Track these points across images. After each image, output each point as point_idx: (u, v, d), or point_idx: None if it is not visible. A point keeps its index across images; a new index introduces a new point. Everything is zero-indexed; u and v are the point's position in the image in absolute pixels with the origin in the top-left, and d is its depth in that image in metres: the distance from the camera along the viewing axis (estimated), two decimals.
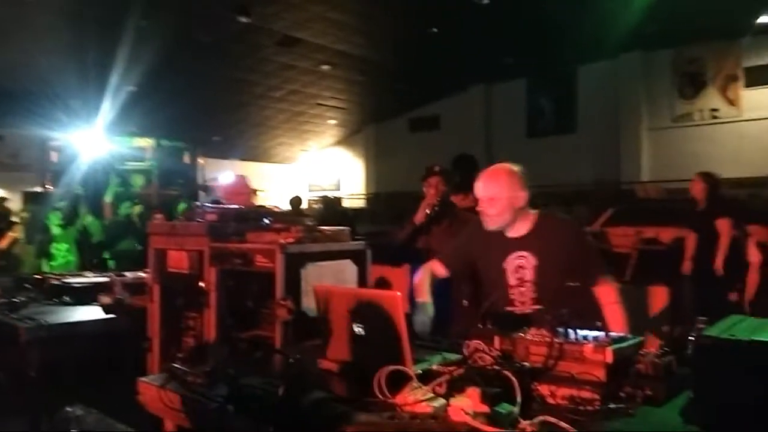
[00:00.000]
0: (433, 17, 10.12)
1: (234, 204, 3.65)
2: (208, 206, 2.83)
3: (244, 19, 9.30)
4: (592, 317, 1.83)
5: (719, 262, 4.70)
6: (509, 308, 2.31)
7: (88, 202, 6.76)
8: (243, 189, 3.84)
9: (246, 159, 16.17)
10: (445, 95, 14.92)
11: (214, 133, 13.53)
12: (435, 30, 10.44)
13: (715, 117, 11.34)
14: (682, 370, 1.64)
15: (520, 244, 2.31)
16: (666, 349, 1.69)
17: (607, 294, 2.25)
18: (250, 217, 2.71)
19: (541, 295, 2.25)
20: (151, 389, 1.72)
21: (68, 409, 2.41)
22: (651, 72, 12.17)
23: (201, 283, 2.61)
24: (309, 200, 14.80)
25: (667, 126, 12.01)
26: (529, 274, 2.28)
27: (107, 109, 9.20)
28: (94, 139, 7.80)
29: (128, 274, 3.48)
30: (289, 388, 1.42)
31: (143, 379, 1.80)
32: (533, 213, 2.34)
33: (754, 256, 4.24)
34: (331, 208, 9.54)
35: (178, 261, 2.75)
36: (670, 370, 1.63)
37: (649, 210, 8.42)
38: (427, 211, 3.56)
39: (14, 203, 9.42)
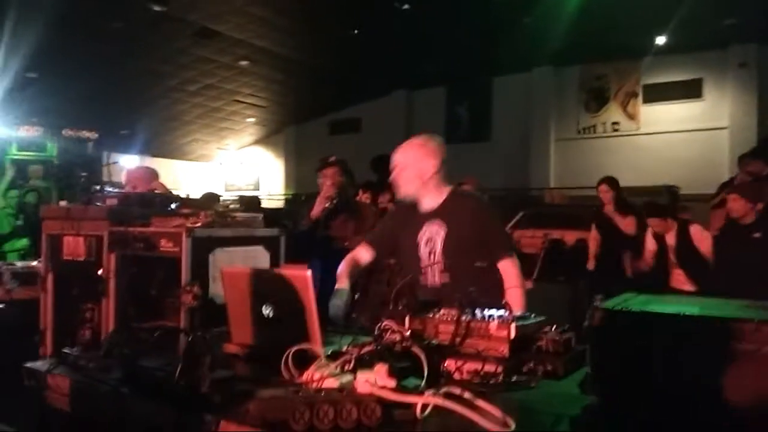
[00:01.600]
0: (355, 19, 10.15)
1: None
2: (109, 190, 2.67)
3: (158, 8, 8.91)
4: (496, 295, 1.88)
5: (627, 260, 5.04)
6: (422, 281, 2.33)
7: None
8: (150, 177, 3.66)
9: (158, 155, 15.46)
10: (366, 99, 14.98)
11: (122, 127, 12.86)
12: (356, 32, 10.47)
13: (616, 130, 12.08)
14: (580, 347, 1.72)
15: (431, 215, 2.35)
16: (565, 327, 1.77)
17: (510, 275, 2.31)
18: (156, 202, 2.58)
19: (450, 266, 2.29)
20: (37, 375, 1.59)
21: None
22: (560, 86, 12.81)
23: (99, 271, 2.45)
24: (226, 200, 14.38)
25: (573, 137, 12.67)
26: (438, 245, 2.31)
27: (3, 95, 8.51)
28: None
29: (19, 264, 3.22)
30: (189, 368, 1.35)
31: (29, 364, 1.65)
32: (447, 188, 2.38)
33: (650, 244, 4.60)
34: (249, 208, 9.31)
35: (75, 248, 2.57)
36: (569, 346, 1.70)
37: (555, 214, 8.84)
38: (326, 204, 3.44)
39: None
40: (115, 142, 11.46)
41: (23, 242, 5.33)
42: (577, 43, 10.21)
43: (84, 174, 7.98)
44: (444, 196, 2.37)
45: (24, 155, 7.41)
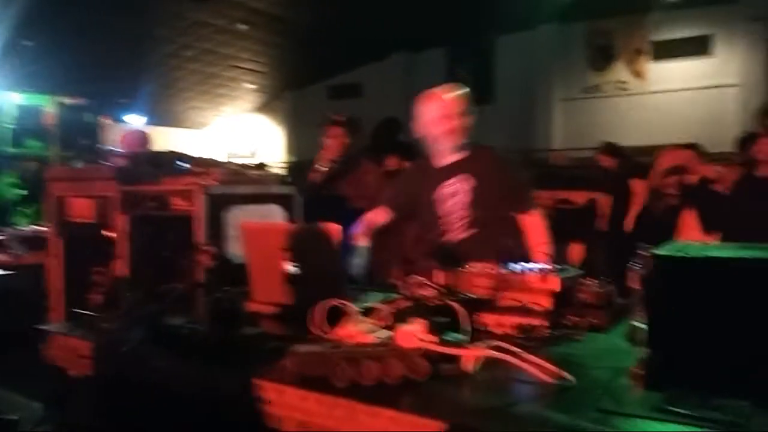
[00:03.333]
0: None
1: None
2: (117, 150, 2.56)
3: None
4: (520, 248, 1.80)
5: (630, 220, 4.95)
6: (439, 239, 2.25)
7: None
8: (145, 140, 3.51)
9: (155, 123, 15.22)
10: (366, 62, 14.68)
11: (119, 95, 12.62)
12: None
13: (623, 89, 11.85)
14: (621, 300, 1.65)
15: (455, 169, 2.26)
16: (607, 279, 1.69)
17: (536, 232, 2.24)
18: (166, 161, 2.48)
19: (476, 218, 2.20)
20: (56, 339, 1.51)
21: None
22: (565, 44, 12.51)
23: (109, 233, 2.36)
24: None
25: (578, 97, 12.44)
26: (464, 198, 2.23)
27: None
28: None
29: (26, 228, 3.13)
30: (218, 324, 1.27)
31: (45, 326, 1.57)
32: (468, 143, 2.30)
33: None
34: None
35: (83, 209, 2.48)
36: (611, 299, 1.63)
37: (561, 175, 8.75)
38: (324, 168, 3.15)
39: None
40: (112, 110, 11.25)
41: (33, 208, 5.23)
42: None
43: (84, 142, 7.84)
44: (467, 150, 2.28)
45: (21, 122, 7.25)
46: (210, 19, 11.23)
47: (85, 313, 1.57)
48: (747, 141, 4.29)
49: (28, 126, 7.26)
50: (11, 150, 6.62)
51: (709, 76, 10.69)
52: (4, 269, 2.74)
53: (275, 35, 12.42)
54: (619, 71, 11.84)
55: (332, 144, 3.19)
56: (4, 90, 7.41)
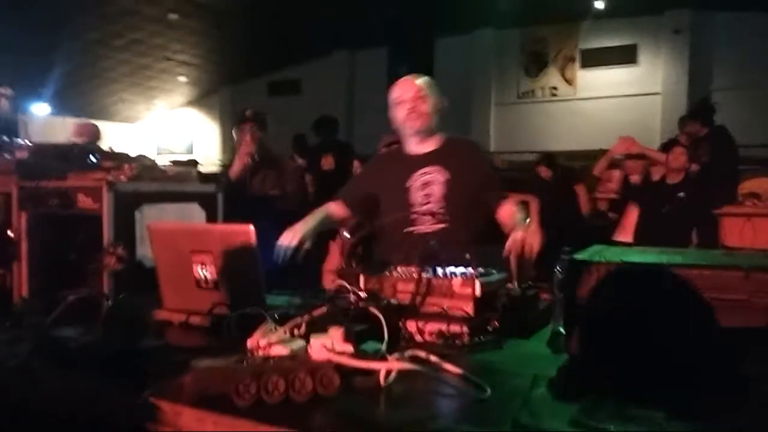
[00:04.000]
0: None
1: None
2: (19, 142, 2.35)
3: None
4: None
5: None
6: (408, 229, 2.16)
7: None
8: (97, 133, 3.30)
9: (81, 116, 14.47)
10: (306, 59, 14.47)
11: (41, 84, 11.90)
12: None
13: (554, 95, 12.21)
14: (543, 304, 1.63)
15: (428, 159, 2.19)
16: (529, 283, 1.67)
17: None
18: (74, 154, 2.29)
19: (449, 212, 2.14)
20: None
21: None
22: (502, 49, 12.78)
23: (9, 232, 2.16)
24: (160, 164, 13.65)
25: (513, 101, 12.73)
26: (438, 190, 2.16)
27: None
28: None
29: None
30: (112, 336, 1.15)
31: None
32: (440, 132, 2.25)
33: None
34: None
35: None
36: (534, 303, 1.61)
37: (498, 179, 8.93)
38: (244, 161, 3.17)
39: None
40: (33, 101, 10.60)
41: None
42: (518, 5, 10.15)
43: (2, 136, 7.32)
44: (440, 140, 2.23)
45: None
46: (140, 7, 10.76)
47: None
48: (667, 148, 4.52)
49: None
50: None
51: (634, 85, 11.17)
52: None
53: (210, 26, 12.03)
54: (551, 77, 12.20)
55: (246, 139, 3.20)
56: None
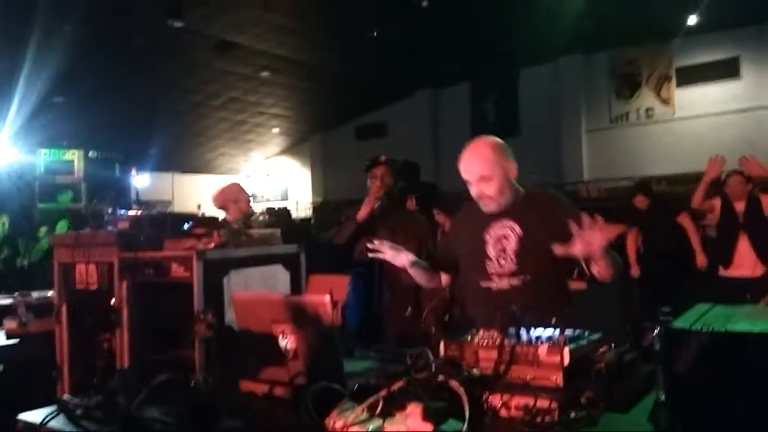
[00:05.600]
0: (373, 20, 9.96)
1: (232, 213, 3.35)
2: (120, 212, 2.52)
3: (177, 23, 8.88)
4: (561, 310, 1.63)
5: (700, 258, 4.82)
6: (485, 284, 2.09)
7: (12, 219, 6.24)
8: (239, 195, 3.48)
9: (186, 171, 15.55)
10: (390, 102, 14.79)
11: (149, 145, 12.93)
12: (375, 34, 10.27)
13: (649, 116, 11.61)
14: (644, 368, 1.49)
15: (505, 213, 2.11)
16: (627, 345, 1.53)
17: None
18: (168, 223, 2.43)
19: (525, 268, 2.04)
20: (30, 428, 1.43)
21: None
22: (589, 74, 12.39)
23: (112, 300, 2.31)
24: (255, 213, 14.31)
25: (606, 127, 12.23)
26: (512, 244, 2.07)
27: (22, 120, 8.56)
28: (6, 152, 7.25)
29: (34, 294, 3.11)
30: (194, 418, 1.17)
31: (23, 415, 1.50)
32: (520, 187, 2.16)
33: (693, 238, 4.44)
34: (280, 219, 9.11)
35: (87, 276, 2.44)
36: (633, 369, 1.47)
37: (592, 209, 8.49)
38: (374, 206, 3.14)
39: None
40: (142, 161, 11.51)
41: None
42: (604, 29, 9.82)
43: (114, 195, 7.97)
44: (519, 194, 2.14)
45: (51, 179, 7.43)
46: (235, 67, 11.50)
47: (69, 400, 1.48)
48: None
49: (57, 181, 7.43)
50: (41, 206, 6.77)
51: (738, 100, 10.40)
52: (13, 337, 2.70)
53: (299, 80, 12.62)
54: (646, 99, 11.63)
55: (377, 184, 3.19)
56: (35, 146, 7.63)
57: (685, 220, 4.96)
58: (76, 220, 6.47)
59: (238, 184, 3.53)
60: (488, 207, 2.10)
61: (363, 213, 3.14)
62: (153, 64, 10.26)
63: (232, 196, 3.34)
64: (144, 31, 9.07)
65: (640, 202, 5.18)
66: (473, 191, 2.10)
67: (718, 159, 4.28)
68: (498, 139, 2.17)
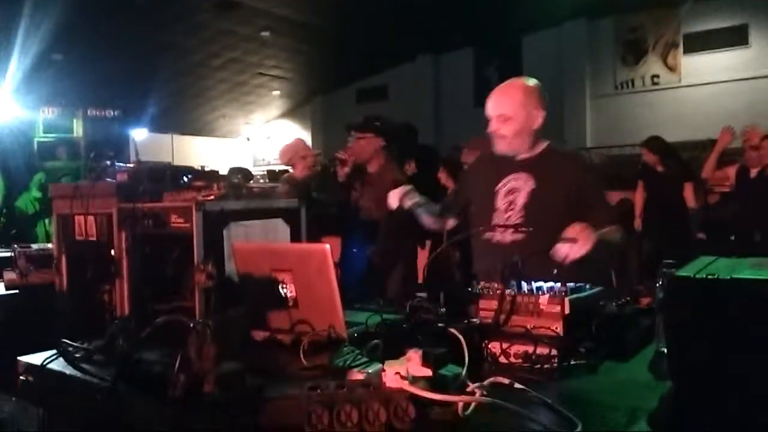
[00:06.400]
0: None
1: (299, 169, 3.39)
2: (119, 165, 2.49)
3: None
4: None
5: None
6: (489, 235, 2.06)
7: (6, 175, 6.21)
8: (306, 151, 3.51)
9: (186, 133, 15.44)
10: (392, 65, 14.59)
11: (149, 105, 12.80)
12: None
13: (656, 83, 11.46)
14: (644, 321, 1.49)
15: (519, 165, 2.08)
16: (627, 299, 1.53)
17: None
18: (167, 175, 2.40)
19: (530, 223, 1.99)
20: (31, 368, 1.43)
21: None
22: (594, 40, 12.19)
23: (112, 251, 2.30)
24: (255, 175, 14.27)
25: (611, 93, 12.09)
26: (521, 198, 2.04)
27: (22, 76, 8.45)
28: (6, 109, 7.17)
29: (34, 246, 3.11)
30: (191, 362, 1.17)
31: (23, 358, 1.50)
32: (544, 141, 2.12)
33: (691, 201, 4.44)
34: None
35: (86, 227, 2.42)
36: (633, 320, 1.47)
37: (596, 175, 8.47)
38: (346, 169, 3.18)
39: None
40: (140, 120, 11.41)
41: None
42: None
43: (111, 153, 7.91)
44: (540, 149, 2.10)
45: (50, 137, 7.38)
46: (236, 27, 11.30)
47: (70, 344, 1.49)
48: None
49: (57, 140, 7.38)
50: (40, 164, 6.73)
51: (746, 67, 10.26)
52: (12, 288, 2.70)
53: (300, 41, 12.43)
54: (652, 65, 11.47)
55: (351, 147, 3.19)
56: (34, 104, 7.55)
57: (688, 187, 4.95)
58: (75, 177, 6.45)
59: (303, 140, 3.63)
60: (500, 146, 2.07)
61: (341, 175, 3.23)
62: (153, 22, 10.07)
63: (300, 152, 3.40)
64: None
65: (649, 157, 5.14)
66: (490, 126, 2.07)
67: (730, 130, 4.26)
68: (536, 84, 2.12)
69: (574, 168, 2.10)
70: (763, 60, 10.13)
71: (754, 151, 4.21)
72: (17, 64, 8.46)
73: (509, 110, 2.03)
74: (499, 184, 2.10)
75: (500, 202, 2.08)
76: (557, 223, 1.95)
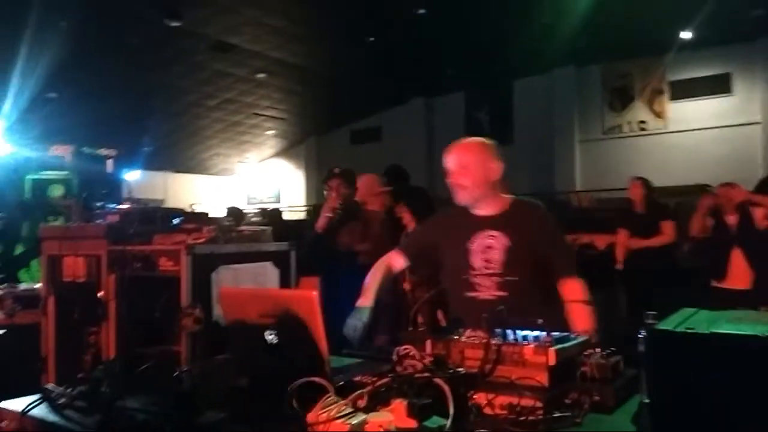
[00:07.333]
0: (371, 27, 10.00)
1: (371, 207, 3.48)
2: (110, 206, 2.51)
3: (174, 23, 8.88)
4: (548, 316, 1.62)
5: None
6: (470, 294, 2.08)
7: None
8: (377, 189, 3.60)
9: (180, 171, 15.51)
10: (386, 107, 14.84)
11: (144, 144, 12.88)
12: (372, 39, 10.32)
13: (643, 129, 11.72)
14: (629, 372, 1.50)
15: (490, 223, 2.10)
16: (612, 349, 1.54)
17: (574, 291, 2.05)
18: (158, 217, 2.42)
19: (510, 280, 2.03)
20: (12, 416, 1.41)
21: None
22: (583, 86, 12.50)
23: (99, 293, 2.29)
24: (247, 213, 14.29)
25: (599, 138, 12.34)
26: (498, 255, 2.06)
27: (17, 115, 8.51)
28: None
29: (21, 286, 3.09)
30: (177, 409, 1.16)
31: (4, 403, 1.48)
32: (507, 195, 2.17)
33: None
34: (271, 221, 9.14)
35: (75, 268, 2.42)
36: (617, 371, 1.48)
37: (583, 218, 8.53)
38: (329, 215, 3.32)
39: None
40: (135, 159, 11.45)
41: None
42: (597, 42, 9.93)
43: (104, 192, 7.90)
44: (505, 204, 2.14)
45: (43, 176, 7.38)
46: (231, 69, 11.50)
47: (53, 389, 1.47)
48: (765, 185, 4.11)
49: (49, 177, 7.38)
50: (32, 202, 6.72)
51: (730, 115, 10.53)
52: None
53: (295, 83, 12.64)
54: (639, 111, 11.74)
55: (333, 195, 3.36)
56: (28, 142, 7.58)
57: (667, 225, 5.00)
58: (67, 216, 6.43)
59: (376, 178, 3.71)
60: (460, 196, 2.11)
61: (321, 223, 3.34)
62: (149, 63, 10.24)
63: (372, 190, 3.49)
64: (141, 30, 9.06)
65: (636, 191, 5.20)
66: (450, 178, 2.11)
67: (712, 193, 4.36)
68: (490, 141, 2.18)
69: (537, 220, 2.15)
70: (745, 107, 10.41)
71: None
72: (12, 101, 8.55)
73: (468, 161, 2.08)
74: (470, 241, 2.11)
75: (477, 261, 2.09)
76: (533, 276, 1.98)
